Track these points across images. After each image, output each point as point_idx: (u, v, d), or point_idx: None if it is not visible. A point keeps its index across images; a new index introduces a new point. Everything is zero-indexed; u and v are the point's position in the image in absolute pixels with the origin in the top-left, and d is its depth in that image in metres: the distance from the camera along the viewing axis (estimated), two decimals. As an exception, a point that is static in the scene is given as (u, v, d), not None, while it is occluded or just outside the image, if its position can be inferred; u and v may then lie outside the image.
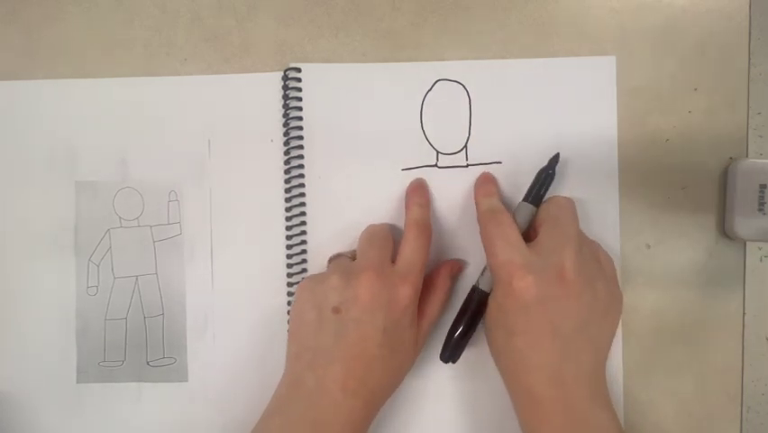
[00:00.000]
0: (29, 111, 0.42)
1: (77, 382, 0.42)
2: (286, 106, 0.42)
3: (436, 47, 0.42)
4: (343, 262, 0.39)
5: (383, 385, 0.37)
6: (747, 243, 0.41)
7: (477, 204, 0.40)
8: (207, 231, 0.42)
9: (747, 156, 0.41)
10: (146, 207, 0.42)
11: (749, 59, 0.41)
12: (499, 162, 0.41)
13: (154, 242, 0.42)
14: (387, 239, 0.39)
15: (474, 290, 0.39)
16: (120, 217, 0.42)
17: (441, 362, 0.40)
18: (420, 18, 0.42)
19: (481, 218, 0.39)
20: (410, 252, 0.38)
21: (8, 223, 0.42)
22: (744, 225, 0.39)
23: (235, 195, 0.42)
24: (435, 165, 0.41)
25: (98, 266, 0.42)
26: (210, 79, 0.42)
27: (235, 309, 0.42)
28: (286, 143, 0.42)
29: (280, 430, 0.36)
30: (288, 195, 0.41)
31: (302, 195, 0.41)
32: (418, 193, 0.41)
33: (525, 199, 0.39)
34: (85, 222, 0.42)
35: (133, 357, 0.42)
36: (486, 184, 0.40)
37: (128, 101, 0.42)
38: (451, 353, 0.39)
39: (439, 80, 0.41)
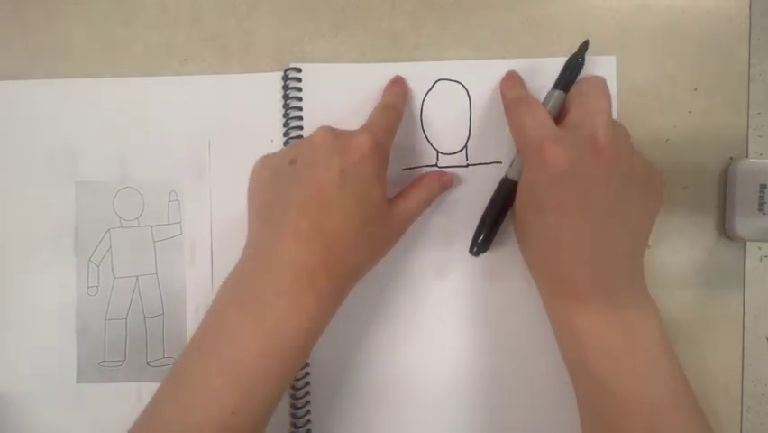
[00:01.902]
0: (29, 111, 0.42)
1: (77, 382, 0.42)
2: (286, 106, 0.42)
3: (436, 47, 0.42)
4: None
5: (345, 236, 0.33)
6: (747, 243, 0.41)
7: (503, 95, 0.39)
8: (207, 231, 0.42)
9: (747, 156, 0.41)
10: (146, 207, 0.42)
11: (749, 59, 0.41)
12: (499, 162, 0.41)
13: (154, 242, 0.42)
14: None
15: (504, 180, 0.38)
16: (120, 217, 0.42)
17: (467, 264, 0.39)
18: (420, 18, 0.42)
19: (509, 104, 0.38)
20: (373, 117, 0.37)
21: (8, 223, 0.42)
22: (744, 225, 0.39)
23: (235, 195, 0.42)
24: (435, 165, 0.41)
25: (98, 266, 0.42)
26: (210, 79, 0.42)
27: (235, 309, 0.42)
28: (286, 143, 0.42)
29: (231, 292, 0.34)
30: (288, 195, 0.41)
31: (302, 195, 0.41)
32: (394, 84, 0.40)
33: (555, 87, 0.38)
34: (85, 222, 0.42)
35: (133, 357, 0.42)
36: (512, 78, 0.40)
37: (128, 101, 0.42)
38: (481, 244, 0.38)
39: (439, 80, 0.41)
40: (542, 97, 0.39)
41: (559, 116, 0.37)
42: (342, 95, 0.42)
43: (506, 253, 0.41)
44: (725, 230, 0.41)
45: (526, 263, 0.38)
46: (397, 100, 0.39)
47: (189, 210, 0.42)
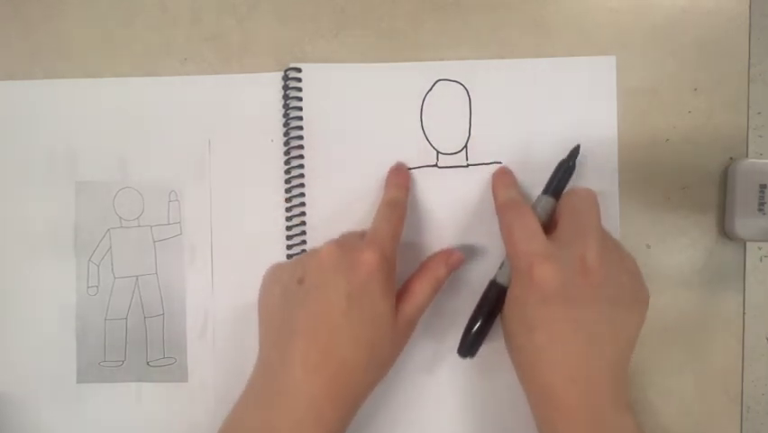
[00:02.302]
0: (29, 111, 0.42)
1: (77, 382, 0.42)
2: (286, 106, 0.42)
3: (436, 47, 0.42)
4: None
5: (352, 362, 0.33)
6: (747, 243, 0.41)
7: (495, 195, 0.39)
8: (207, 231, 0.42)
9: (747, 156, 0.41)
10: (146, 207, 0.42)
11: (749, 59, 0.41)
12: (499, 162, 0.41)
13: (154, 242, 0.42)
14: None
15: (492, 284, 0.38)
16: (120, 217, 0.42)
17: (457, 358, 0.38)
18: (420, 18, 0.42)
19: (500, 208, 0.38)
20: (379, 223, 0.37)
21: (8, 223, 0.42)
22: (744, 225, 0.39)
23: (235, 195, 0.42)
24: (435, 165, 0.41)
25: (98, 266, 0.42)
26: (210, 79, 0.42)
27: (235, 309, 0.42)
28: (286, 143, 0.42)
29: (243, 420, 0.34)
30: (287, 195, 0.41)
31: (302, 195, 0.41)
32: (395, 174, 0.40)
33: (545, 192, 0.38)
34: (85, 222, 0.42)
35: (133, 357, 0.42)
36: (504, 176, 0.40)
37: (128, 101, 0.42)
38: (468, 347, 0.38)
39: (439, 80, 0.41)
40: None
41: (548, 224, 0.37)
42: (342, 95, 0.42)
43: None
44: (725, 230, 0.41)
45: (515, 369, 0.37)
46: (400, 195, 0.39)
47: (189, 210, 0.42)
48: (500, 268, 0.38)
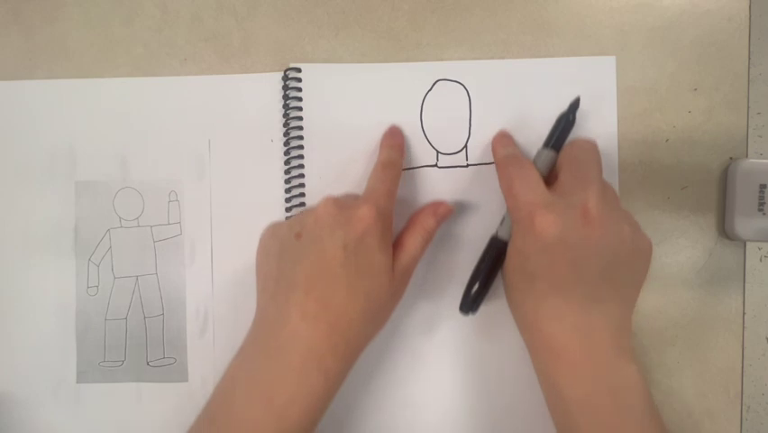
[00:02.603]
0: (29, 111, 0.42)
1: (77, 382, 0.42)
2: (286, 106, 0.42)
3: (436, 47, 0.42)
4: None
5: (350, 313, 0.34)
6: (747, 243, 0.41)
7: (495, 152, 0.39)
8: (207, 231, 0.42)
9: (747, 156, 0.41)
10: (146, 207, 0.42)
11: (749, 59, 0.41)
12: (499, 162, 0.41)
13: (154, 242, 0.42)
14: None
15: (493, 239, 0.38)
16: (120, 217, 0.42)
17: (458, 318, 0.38)
18: (420, 18, 0.42)
19: (500, 163, 0.38)
20: (374, 182, 0.37)
21: (8, 223, 0.42)
22: (744, 225, 0.39)
23: (235, 195, 0.42)
24: (435, 165, 0.41)
25: (98, 266, 0.42)
26: (210, 79, 0.42)
27: (235, 309, 0.42)
28: (286, 143, 0.42)
29: (241, 370, 0.34)
30: (287, 195, 0.41)
31: (302, 195, 0.41)
32: (390, 136, 0.40)
33: (545, 146, 0.38)
34: (85, 222, 0.42)
35: (133, 357, 0.42)
36: (504, 137, 0.40)
37: (128, 101, 0.42)
38: (470, 303, 0.38)
39: (439, 80, 0.41)
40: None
41: (549, 177, 0.37)
42: (342, 95, 0.42)
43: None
44: (725, 230, 0.41)
45: (516, 324, 0.37)
46: (395, 155, 0.39)
47: (189, 210, 0.42)
48: (501, 224, 0.38)
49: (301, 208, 0.41)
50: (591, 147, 0.36)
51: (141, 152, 0.42)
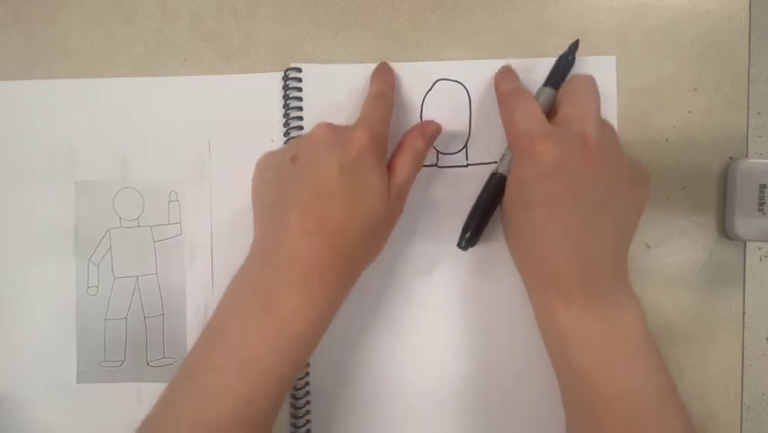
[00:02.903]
0: (29, 111, 0.42)
1: (77, 382, 0.42)
2: (286, 106, 0.42)
3: (436, 47, 0.42)
4: None
5: (348, 228, 0.34)
6: (747, 243, 0.41)
7: (497, 87, 0.40)
8: (207, 231, 0.42)
9: (747, 156, 0.41)
10: (146, 207, 0.42)
11: (749, 59, 0.41)
12: (499, 162, 0.41)
13: (154, 242, 0.42)
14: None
15: (492, 175, 0.39)
16: (120, 217, 0.42)
17: (455, 259, 0.39)
18: (420, 18, 0.42)
19: (502, 96, 0.38)
20: (367, 110, 0.38)
21: (8, 223, 0.42)
22: (744, 225, 0.39)
23: (235, 195, 0.42)
24: (435, 165, 0.41)
25: (98, 266, 0.42)
26: (210, 79, 0.42)
27: (235, 309, 0.42)
28: (286, 143, 0.42)
29: (242, 284, 0.35)
30: (288, 195, 0.41)
31: (302, 195, 0.41)
32: (380, 72, 0.41)
33: (546, 84, 0.39)
34: (85, 222, 0.42)
35: (133, 357, 0.42)
36: (507, 72, 0.40)
37: (128, 101, 0.42)
38: (469, 238, 0.38)
39: (439, 80, 0.41)
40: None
41: (549, 113, 0.37)
42: (342, 95, 0.42)
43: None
44: (725, 230, 0.41)
45: (513, 259, 0.38)
46: (386, 88, 0.40)
47: (189, 210, 0.42)
48: (500, 160, 0.39)
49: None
50: (589, 81, 0.37)
51: (141, 151, 0.42)
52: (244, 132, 0.42)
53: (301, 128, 0.41)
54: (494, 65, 0.41)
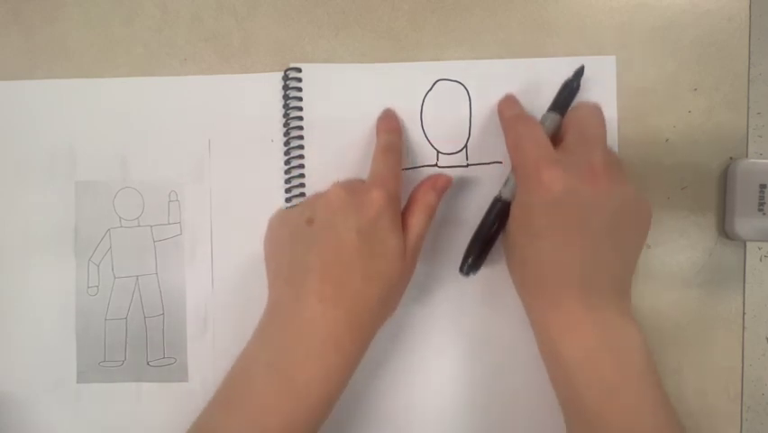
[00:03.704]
0: (29, 111, 0.42)
1: (78, 382, 0.42)
2: (286, 106, 0.42)
3: (436, 47, 0.42)
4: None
5: (367, 294, 0.34)
6: (747, 243, 0.41)
7: (501, 113, 0.39)
8: (207, 231, 0.42)
9: (747, 156, 0.41)
10: (146, 207, 0.42)
11: (749, 59, 0.41)
12: (500, 162, 0.41)
13: (154, 242, 0.42)
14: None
15: (496, 200, 0.38)
16: (120, 217, 0.42)
17: (458, 282, 0.39)
18: (420, 18, 0.42)
19: (507, 121, 0.38)
20: (378, 167, 0.37)
21: (8, 223, 0.42)
22: (744, 225, 0.39)
23: (235, 195, 0.42)
24: (435, 165, 0.41)
25: (98, 266, 0.42)
26: (210, 79, 0.42)
27: (235, 309, 0.42)
28: (286, 143, 0.42)
29: (259, 352, 0.35)
30: (288, 195, 0.41)
31: (302, 195, 0.41)
32: (386, 121, 0.40)
33: (550, 110, 0.38)
34: (85, 222, 0.42)
35: (133, 357, 0.42)
36: (510, 99, 0.40)
37: (128, 101, 0.42)
38: (471, 264, 0.38)
39: (439, 80, 0.41)
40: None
41: (554, 139, 0.37)
42: (342, 95, 0.42)
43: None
44: (725, 230, 0.41)
45: (516, 285, 0.38)
46: (393, 138, 0.39)
47: (189, 210, 0.42)
48: (504, 185, 0.38)
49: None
50: (596, 110, 0.37)
51: (141, 151, 0.42)
52: (244, 132, 0.42)
53: (301, 128, 0.41)
54: (494, 65, 0.41)
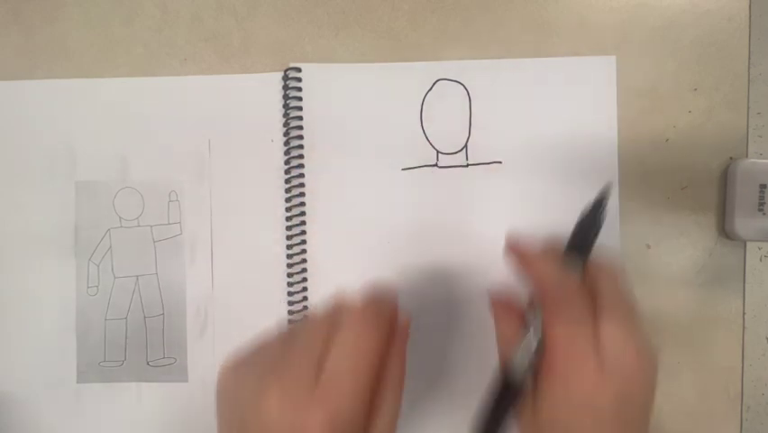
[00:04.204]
0: (29, 111, 0.42)
1: (78, 382, 0.42)
2: (286, 106, 0.42)
3: (436, 47, 0.42)
4: (281, 341, 0.31)
5: None
6: (747, 243, 0.41)
7: (515, 254, 0.32)
8: (207, 231, 0.42)
9: (747, 156, 0.41)
10: (146, 207, 0.42)
11: (749, 59, 0.41)
12: (499, 162, 0.41)
13: (154, 242, 0.42)
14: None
15: (506, 372, 0.30)
16: (120, 217, 0.42)
17: None
18: (420, 18, 0.42)
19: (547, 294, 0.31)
20: (340, 356, 0.27)
21: (8, 223, 0.42)
22: (744, 225, 0.39)
23: (235, 195, 0.42)
24: (435, 165, 0.41)
25: (98, 266, 0.42)
26: (210, 79, 0.42)
27: (235, 309, 0.42)
28: (286, 143, 0.42)
29: None
30: (287, 195, 0.41)
31: (302, 195, 0.41)
32: (374, 286, 0.31)
33: (569, 248, 0.32)
34: (85, 222, 0.42)
35: (133, 357, 0.42)
36: (517, 237, 0.32)
37: (128, 101, 0.42)
38: None
39: (439, 80, 0.41)
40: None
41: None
42: (342, 95, 0.42)
43: None
44: (725, 230, 0.41)
45: None
46: (381, 303, 0.30)
47: (189, 210, 0.42)
48: (518, 351, 0.30)
49: (301, 209, 0.41)
50: (629, 290, 0.32)
51: (141, 152, 0.42)
52: (244, 132, 0.42)
53: (301, 128, 0.41)
54: (494, 65, 0.41)
